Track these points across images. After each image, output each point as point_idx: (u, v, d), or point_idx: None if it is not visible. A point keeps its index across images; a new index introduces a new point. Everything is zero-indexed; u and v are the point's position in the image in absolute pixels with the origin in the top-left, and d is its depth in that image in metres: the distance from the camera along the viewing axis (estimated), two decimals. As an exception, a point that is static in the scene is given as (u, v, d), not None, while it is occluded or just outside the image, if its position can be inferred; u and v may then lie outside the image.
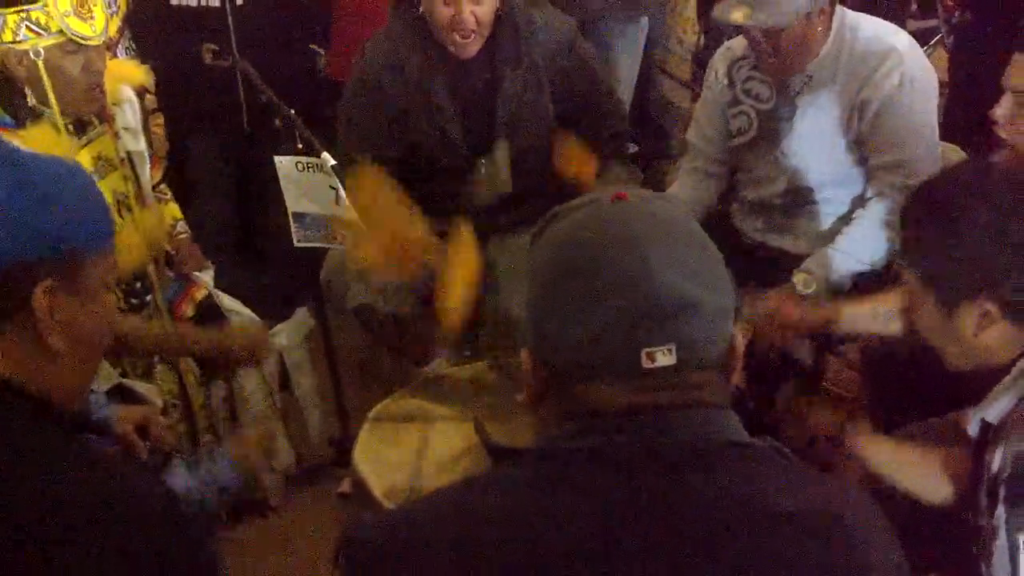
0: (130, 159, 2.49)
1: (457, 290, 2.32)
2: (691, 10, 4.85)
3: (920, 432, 1.89)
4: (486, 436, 2.00)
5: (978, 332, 1.47)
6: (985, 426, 1.52)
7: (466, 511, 0.98)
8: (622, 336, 0.96)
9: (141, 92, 2.63)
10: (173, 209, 2.78)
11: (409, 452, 2.07)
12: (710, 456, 0.98)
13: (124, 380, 2.29)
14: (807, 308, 2.23)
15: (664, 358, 0.96)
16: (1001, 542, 1.39)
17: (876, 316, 2.06)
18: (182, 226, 2.77)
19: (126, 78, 2.51)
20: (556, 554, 0.92)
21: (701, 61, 4.71)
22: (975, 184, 1.53)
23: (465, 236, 2.41)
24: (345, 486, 2.76)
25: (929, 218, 1.54)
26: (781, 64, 2.42)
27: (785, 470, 1.01)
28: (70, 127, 2.30)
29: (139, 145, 2.52)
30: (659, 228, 1.01)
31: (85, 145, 2.35)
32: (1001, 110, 1.98)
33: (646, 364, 0.96)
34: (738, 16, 2.29)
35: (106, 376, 2.24)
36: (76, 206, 1.15)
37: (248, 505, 2.80)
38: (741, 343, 1.04)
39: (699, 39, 4.70)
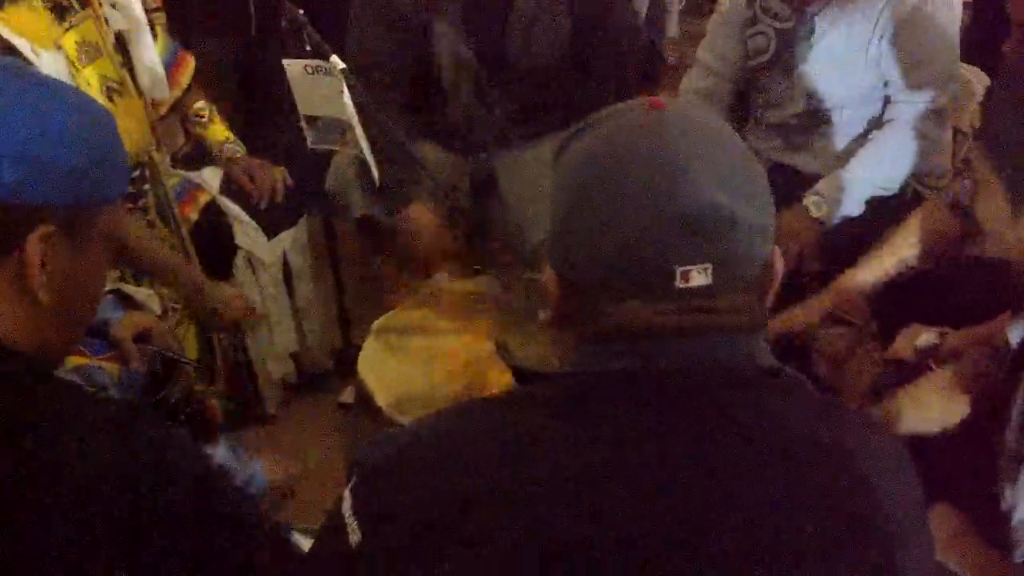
0: (122, 40, 2.37)
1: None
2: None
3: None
4: (511, 358, 1.98)
5: None
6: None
7: (491, 430, 0.95)
8: (655, 252, 0.91)
9: None
10: (215, 131, 2.72)
11: (413, 364, 2.06)
12: (742, 383, 0.95)
13: (122, 285, 2.27)
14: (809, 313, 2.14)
15: (699, 277, 0.91)
16: None
17: (890, 270, 2.04)
18: (230, 148, 2.71)
19: None
20: (585, 476, 0.89)
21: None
22: None
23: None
24: (346, 396, 2.76)
25: (1008, 112, 1.52)
26: None
27: (813, 401, 0.99)
28: (49, 11, 2.15)
29: (130, 21, 2.37)
30: (698, 137, 0.95)
31: (68, 30, 2.20)
32: (1011, 44, 1.94)
33: (680, 284, 0.91)
34: None
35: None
36: (97, 156, 1.09)
37: (247, 412, 2.80)
38: (780, 262, 0.99)
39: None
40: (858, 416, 1.05)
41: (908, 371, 1.87)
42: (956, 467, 1.53)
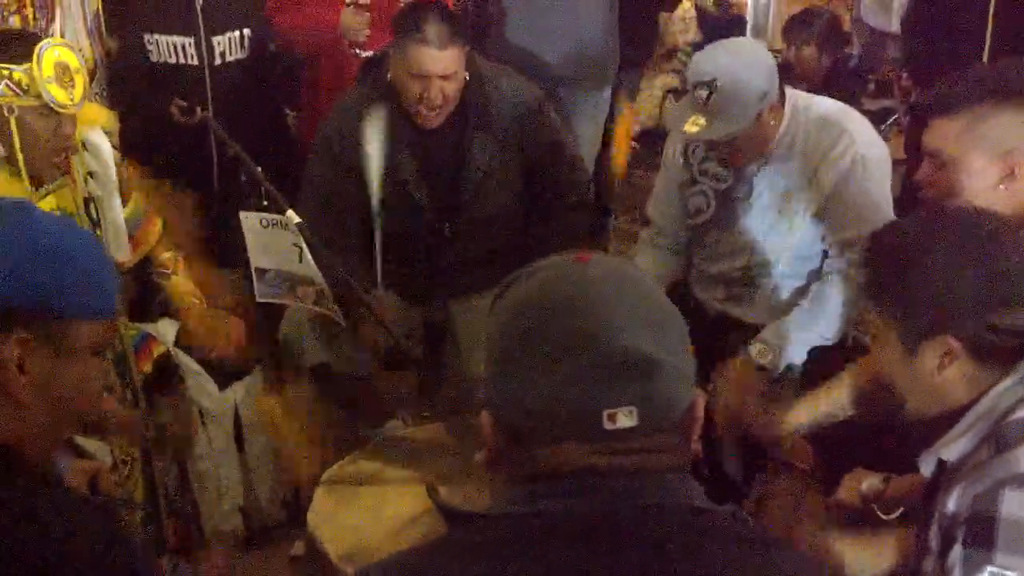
0: (94, 204, 2.42)
1: None
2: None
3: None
4: (438, 499, 1.97)
5: (940, 370, 1.47)
6: (939, 467, 1.52)
7: None
8: (583, 396, 0.96)
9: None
10: (177, 283, 2.67)
11: (364, 515, 2.05)
12: (674, 524, 0.97)
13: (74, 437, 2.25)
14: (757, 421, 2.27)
15: (625, 419, 0.96)
16: None
17: (827, 413, 2.10)
18: (189, 300, 2.65)
19: (90, 121, 2.42)
20: None
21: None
22: (933, 224, 1.55)
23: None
24: (297, 549, 2.71)
25: (890, 258, 1.55)
26: (738, 158, 2.47)
27: (741, 540, 1.01)
28: (29, 177, 2.21)
29: (105, 188, 2.43)
30: (621, 288, 1.01)
31: (44, 196, 2.27)
32: (920, 173, 2.01)
33: (607, 425, 0.96)
34: (692, 128, 2.33)
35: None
36: (76, 268, 1.16)
37: (196, 567, 2.74)
38: (701, 407, 1.04)
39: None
40: (794, 553, 1.07)
41: (853, 516, 1.89)
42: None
